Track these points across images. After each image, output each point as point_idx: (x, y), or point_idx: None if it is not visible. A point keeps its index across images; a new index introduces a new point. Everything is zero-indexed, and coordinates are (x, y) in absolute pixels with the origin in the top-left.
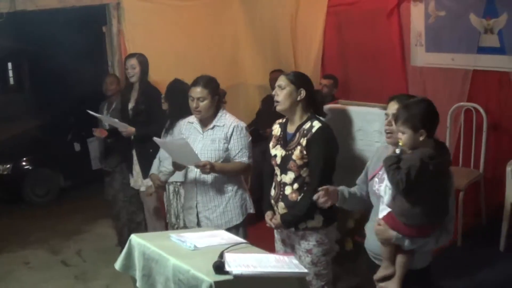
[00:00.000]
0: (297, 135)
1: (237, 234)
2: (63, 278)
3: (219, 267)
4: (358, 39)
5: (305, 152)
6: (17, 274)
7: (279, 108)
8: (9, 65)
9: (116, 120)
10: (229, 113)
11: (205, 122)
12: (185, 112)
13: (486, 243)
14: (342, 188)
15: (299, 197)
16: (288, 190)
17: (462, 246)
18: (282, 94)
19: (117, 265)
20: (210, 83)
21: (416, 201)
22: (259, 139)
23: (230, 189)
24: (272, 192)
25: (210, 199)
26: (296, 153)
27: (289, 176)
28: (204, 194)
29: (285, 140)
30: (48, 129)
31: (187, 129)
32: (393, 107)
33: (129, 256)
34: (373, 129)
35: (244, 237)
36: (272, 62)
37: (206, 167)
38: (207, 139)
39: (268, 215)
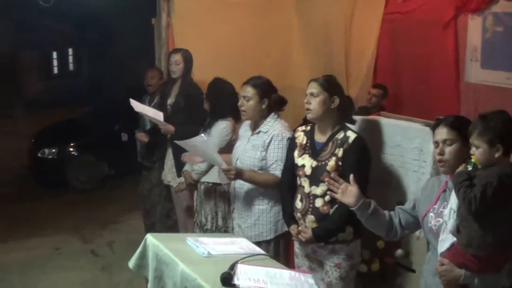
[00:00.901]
0: (330, 145)
1: (266, 250)
2: (89, 268)
3: (226, 279)
4: (412, 50)
5: (340, 163)
6: (44, 259)
7: (310, 116)
8: (70, 51)
9: (155, 114)
10: (282, 120)
11: (254, 125)
12: (225, 111)
13: None
14: (371, 200)
15: (331, 210)
16: (319, 203)
17: None
18: (314, 102)
19: (131, 264)
20: (260, 84)
21: (488, 226)
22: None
23: (266, 202)
24: (299, 205)
25: (245, 208)
26: (331, 164)
27: (321, 188)
28: (241, 201)
29: (314, 150)
30: (97, 117)
31: (244, 130)
32: (442, 131)
33: (143, 256)
34: (412, 145)
35: (275, 254)
36: (323, 66)
37: (231, 173)
38: (250, 144)
39: (293, 229)
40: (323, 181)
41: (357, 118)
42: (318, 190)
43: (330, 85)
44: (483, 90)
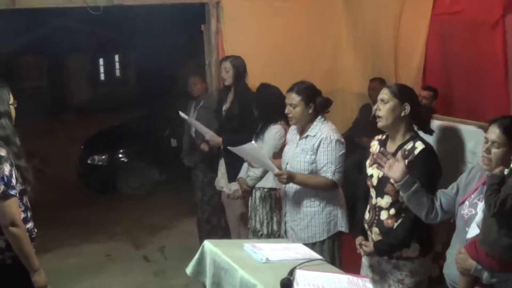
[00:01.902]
0: (398, 155)
1: (321, 250)
2: (142, 274)
3: (286, 285)
4: (461, 50)
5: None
6: (96, 266)
7: (381, 124)
8: (116, 57)
9: (203, 126)
10: (329, 123)
11: (302, 130)
12: (275, 116)
13: None
14: (416, 179)
15: (395, 224)
16: (384, 215)
17: None
18: (384, 109)
19: (189, 270)
20: (304, 90)
21: (504, 232)
22: (355, 148)
23: (317, 203)
24: (366, 216)
25: (296, 211)
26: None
27: (386, 200)
28: (292, 204)
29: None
30: (147, 123)
31: (291, 134)
32: (494, 132)
33: (201, 262)
34: (466, 148)
35: (330, 255)
36: (372, 69)
37: (283, 177)
38: (299, 149)
39: (358, 240)
40: (387, 193)
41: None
42: (383, 202)
43: (401, 91)
44: None
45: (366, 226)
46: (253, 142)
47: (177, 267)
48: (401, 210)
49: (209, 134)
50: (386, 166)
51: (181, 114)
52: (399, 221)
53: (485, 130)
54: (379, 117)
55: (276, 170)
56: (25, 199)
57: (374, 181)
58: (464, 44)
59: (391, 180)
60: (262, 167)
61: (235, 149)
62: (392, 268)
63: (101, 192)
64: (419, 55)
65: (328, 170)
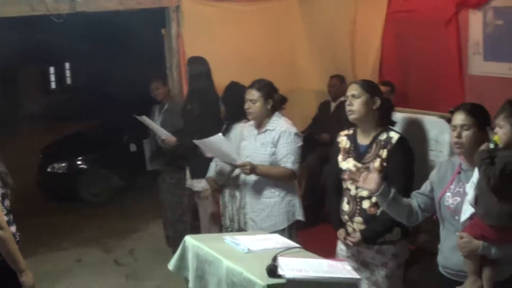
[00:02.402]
0: (374, 146)
1: None
2: (114, 277)
3: (272, 270)
4: (416, 47)
5: (385, 164)
6: (68, 272)
7: (353, 117)
8: (67, 65)
9: (158, 126)
10: (285, 118)
11: (260, 125)
12: (241, 115)
13: None
14: (391, 187)
15: (378, 211)
16: (366, 204)
17: None
18: (357, 103)
19: (170, 265)
20: (264, 86)
21: (506, 199)
22: (315, 145)
23: (277, 194)
24: (346, 207)
25: (257, 202)
26: (376, 165)
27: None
28: (252, 196)
29: (357, 153)
30: (105, 129)
31: (248, 131)
32: (459, 117)
33: (183, 257)
34: (429, 137)
35: None
36: (329, 67)
37: (245, 168)
38: (258, 143)
39: (340, 233)
40: None
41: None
42: (365, 192)
43: (370, 86)
44: (486, 82)
45: (346, 217)
46: (220, 134)
47: (148, 269)
48: None
49: (164, 134)
50: (360, 180)
51: (137, 116)
52: (382, 208)
53: (446, 119)
54: (351, 111)
55: (239, 162)
56: (6, 202)
57: None
58: (419, 41)
59: (372, 170)
60: (225, 160)
61: (201, 142)
62: (375, 253)
63: (62, 200)
64: (375, 52)
65: (288, 160)
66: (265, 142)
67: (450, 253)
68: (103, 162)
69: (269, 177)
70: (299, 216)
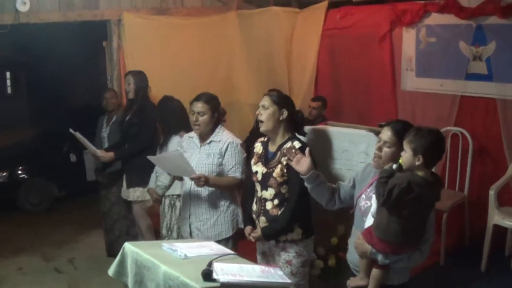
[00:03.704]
0: (278, 154)
1: (226, 246)
2: (56, 285)
3: (207, 274)
4: (351, 63)
5: (285, 171)
6: (10, 279)
7: (262, 128)
8: (7, 74)
9: (90, 144)
10: (227, 130)
11: (204, 137)
12: (177, 127)
13: (468, 263)
14: (319, 173)
15: (279, 212)
16: (269, 206)
17: (445, 265)
18: (265, 114)
19: (111, 271)
20: (211, 100)
21: (393, 219)
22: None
23: (223, 203)
24: (254, 207)
25: (202, 212)
26: (277, 171)
27: (270, 192)
28: (198, 206)
29: (266, 158)
30: (45, 139)
31: (188, 143)
32: (386, 133)
33: (122, 263)
34: (359, 150)
35: (233, 250)
36: (266, 82)
37: (200, 180)
38: (203, 153)
39: (247, 229)
40: (270, 186)
41: (306, 128)
42: (267, 194)
43: (280, 99)
44: (418, 97)
45: (254, 216)
46: (179, 149)
47: (89, 277)
48: (283, 200)
49: (94, 150)
50: (294, 160)
51: (71, 130)
52: (282, 209)
53: (375, 133)
54: (261, 121)
55: (195, 175)
56: None
57: (259, 176)
58: (354, 57)
59: (274, 175)
60: (180, 174)
61: (155, 159)
62: (280, 251)
63: (1, 209)
64: (311, 67)
65: (237, 170)
66: (211, 153)
67: (352, 248)
68: (43, 172)
69: (219, 188)
70: (241, 224)
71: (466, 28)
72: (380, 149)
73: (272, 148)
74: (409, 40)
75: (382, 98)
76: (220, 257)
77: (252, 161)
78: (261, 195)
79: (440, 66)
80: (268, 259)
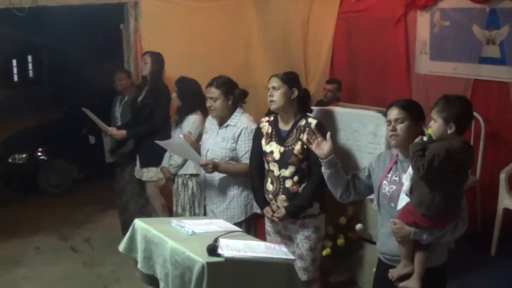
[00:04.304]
0: (295, 131)
1: None
2: (71, 263)
3: (212, 249)
4: (366, 46)
5: (305, 147)
6: (27, 258)
7: (274, 107)
8: (29, 58)
9: (100, 121)
10: (247, 114)
11: (222, 120)
12: (193, 106)
13: (478, 248)
14: (338, 160)
15: (300, 189)
16: (288, 183)
17: (455, 250)
18: (277, 94)
19: (121, 247)
20: (223, 84)
21: (436, 191)
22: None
23: (236, 188)
24: (270, 187)
25: (216, 194)
26: (297, 148)
27: (290, 170)
28: (212, 188)
29: (280, 137)
30: (64, 122)
31: (210, 124)
32: (393, 112)
33: (132, 239)
34: (367, 130)
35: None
36: (282, 65)
37: (208, 166)
38: (219, 137)
39: (268, 211)
40: (291, 164)
41: (314, 108)
42: (287, 172)
43: (289, 78)
44: (432, 80)
45: (270, 196)
46: (181, 136)
47: (104, 256)
48: (303, 176)
49: (105, 128)
50: (314, 143)
51: (84, 110)
52: (303, 185)
53: (383, 114)
54: (272, 101)
55: (203, 161)
56: None
57: (276, 156)
58: (368, 40)
59: (295, 152)
60: (188, 158)
61: (163, 143)
62: (299, 227)
63: (22, 191)
64: (327, 50)
65: (249, 157)
66: (226, 137)
67: (386, 238)
68: (63, 154)
69: (231, 174)
70: (257, 209)
71: (479, 12)
72: (394, 128)
73: (284, 126)
74: (423, 24)
75: (397, 81)
76: (227, 234)
77: (263, 142)
78: (279, 174)
79: (454, 49)
80: (283, 238)
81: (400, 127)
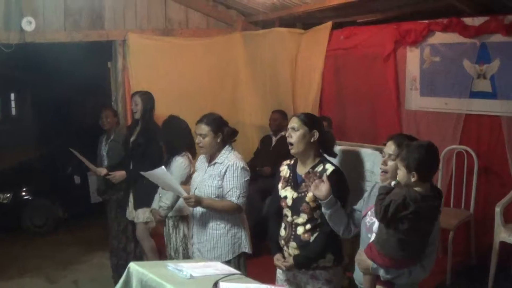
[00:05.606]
0: (323, 177)
1: None
2: None
3: None
4: (355, 82)
5: None
6: None
7: (293, 151)
8: (12, 95)
9: (89, 162)
10: (235, 152)
11: (211, 157)
12: (180, 148)
13: (474, 282)
14: (337, 199)
15: (311, 237)
16: (300, 230)
17: (451, 284)
18: (296, 136)
19: None
20: (213, 121)
21: (392, 233)
22: (257, 178)
23: (223, 226)
24: (282, 233)
25: (203, 233)
26: (309, 195)
27: (302, 218)
28: (199, 227)
29: (295, 182)
30: (49, 161)
31: (200, 162)
32: (390, 147)
33: (127, 283)
34: (365, 168)
35: None
36: (271, 103)
37: (190, 200)
38: (207, 174)
39: (278, 258)
40: (303, 211)
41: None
42: (300, 219)
43: (309, 120)
44: (422, 116)
45: (282, 242)
46: (162, 167)
47: None
48: (316, 225)
49: (94, 169)
50: (313, 185)
51: (72, 150)
52: (315, 235)
53: (380, 152)
54: (291, 144)
55: (185, 194)
56: None
57: (289, 201)
58: (358, 76)
59: (306, 199)
60: (170, 191)
61: (147, 174)
62: (309, 278)
63: (5, 230)
64: (316, 88)
65: (234, 194)
66: (213, 174)
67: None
68: (47, 193)
69: (214, 210)
70: (246, 248)
71: (470, 47)
72: (385, 163)
73: (301, 171)
74: (413, 60)
75: (387, 117)
76: (226, 277)
77: (280, 186)
78: (292, 220)
79: (445, 84)
80: (292, 286)
81: (390, 164)
